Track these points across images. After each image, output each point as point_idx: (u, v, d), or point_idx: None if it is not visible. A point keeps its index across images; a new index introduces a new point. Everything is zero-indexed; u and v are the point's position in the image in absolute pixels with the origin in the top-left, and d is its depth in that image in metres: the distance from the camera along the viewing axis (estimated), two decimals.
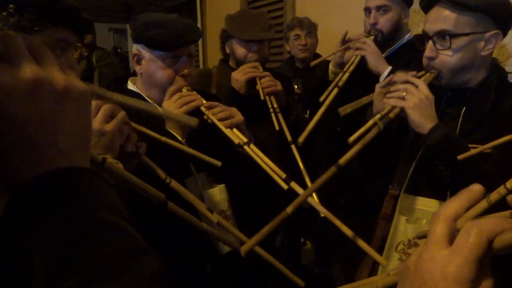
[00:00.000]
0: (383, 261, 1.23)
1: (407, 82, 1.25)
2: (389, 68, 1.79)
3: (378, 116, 1.20)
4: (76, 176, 0.46)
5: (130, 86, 1.50)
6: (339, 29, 3.01)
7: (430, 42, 1.29)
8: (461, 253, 0.41)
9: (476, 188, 0.49)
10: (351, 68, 1.78)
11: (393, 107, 1.22)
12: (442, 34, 1.26)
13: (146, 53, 1.43)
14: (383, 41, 1.93)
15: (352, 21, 2.64)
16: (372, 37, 1.91)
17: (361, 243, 1.16)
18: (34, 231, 0.41)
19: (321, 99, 1.63)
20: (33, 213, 0.42)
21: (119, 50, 8.69)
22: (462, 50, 1.26)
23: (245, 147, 1.31)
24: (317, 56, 2.90)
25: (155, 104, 1.42)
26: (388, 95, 1.26)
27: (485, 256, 0.42)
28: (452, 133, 1.21)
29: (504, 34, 1.28)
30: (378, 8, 1.92)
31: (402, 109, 1.21)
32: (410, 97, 1.20)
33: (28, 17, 0.79)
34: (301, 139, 1.41)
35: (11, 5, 0.77)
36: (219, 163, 1.08)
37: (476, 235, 0.42)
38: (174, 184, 0.99)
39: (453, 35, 1.24)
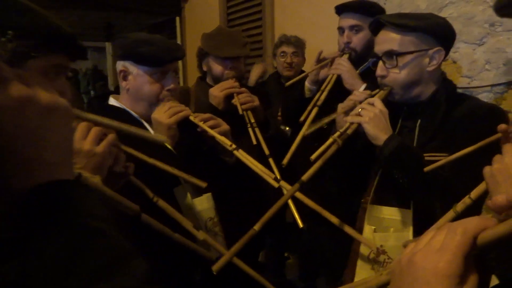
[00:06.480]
0: (373, 245, 1.32)
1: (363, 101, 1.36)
2: (364, 85, 1.85)
3: (337, 134, 1.30)
4: (63, 188, 0.49)
5: (112, 101, 1.53)
6: (317, 46, 3.07)
7: (381, 62, 1.41)
8: (449, 250, 0.45)
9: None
10: (328, 87, 1.84)
11: (351, 123, 1.31)
12: (389, 54, 1.38)
13: (133, 69, 1.47)
14: (357, 58, 1.99)
15: (330, 38, 2.70)
16: (347, 56, 1.97)
17: (348, 229, 1.27)
18: (32, 242, 0.45)
19: (301, 119, 1.68)
20: (27, 227, 0.45)
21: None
22: (408, 67, 1.37)
23: (235, 152, 1.39)
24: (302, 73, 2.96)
25: (143, 122, 1.48)
26: (349, 113, 1.37)
27: (470, 252, 0.45)
28: (405, 142, 1.31)
29: (447, 50, 1.39)
30: (351, 28, 1.99)
31: (360, 125, 1.30)
32: (365, 113, 1.31)
33: (26, 43, 0.79)
34: (285, 161, 1.48)
35: (10, 32, 0.77)
36: (204, 185, 1.12)
37: (462, 233, 0.46)
38: (161, 203, 1.02)
39: (399, 54, 1.36)
